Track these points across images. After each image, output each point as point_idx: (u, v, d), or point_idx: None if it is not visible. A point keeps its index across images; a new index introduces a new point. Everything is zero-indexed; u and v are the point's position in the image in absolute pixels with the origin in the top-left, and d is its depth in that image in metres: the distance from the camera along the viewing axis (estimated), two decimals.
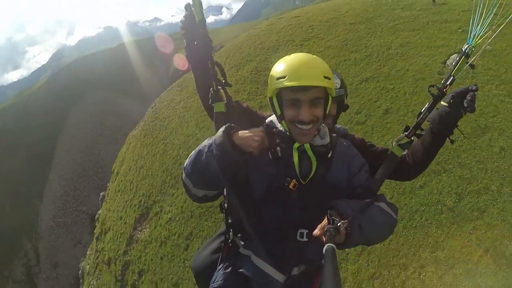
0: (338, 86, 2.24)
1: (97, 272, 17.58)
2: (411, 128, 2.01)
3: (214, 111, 1.86)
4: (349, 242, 1.40)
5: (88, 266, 19.75)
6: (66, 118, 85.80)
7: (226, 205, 1.86)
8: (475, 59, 1.89)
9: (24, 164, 77.89)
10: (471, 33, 1.91)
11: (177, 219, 13.13)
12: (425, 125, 2.04)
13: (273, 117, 1.90)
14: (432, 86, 1.96)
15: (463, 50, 1.90)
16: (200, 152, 1.59)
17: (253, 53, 19.96)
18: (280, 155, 1.67)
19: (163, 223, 13.73)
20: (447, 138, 1.94)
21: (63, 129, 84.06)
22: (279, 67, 1.64)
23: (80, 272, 22.81)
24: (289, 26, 21.23)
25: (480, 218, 7.40)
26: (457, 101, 1.82)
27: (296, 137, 1.69)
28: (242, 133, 1.59)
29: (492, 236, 6.94)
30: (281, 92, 1.65)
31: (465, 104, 1.77)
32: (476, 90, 1.81)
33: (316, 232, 1.37)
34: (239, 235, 1.87)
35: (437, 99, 1.93)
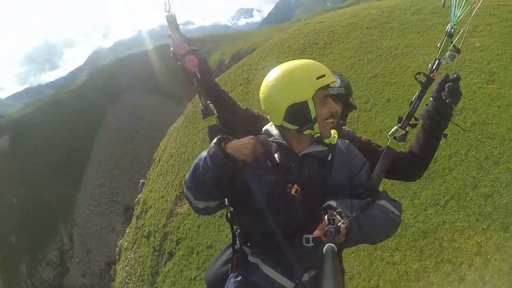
0: (338, 85, 2.30)
1: (135, 247, 20.01)
2: (404, 119, 1.95)
3: (207, 125, 1.89)
4: (350, 242, 1.40)
5: (126, 243, 22.30)
6: (104, 115, 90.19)
7: (229, 215, 1.86)
8: (458, 38, 1.85)
9: (63, 157, 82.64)
10: (453, 12, 1.87)
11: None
12: (417, 113, 2.00)
13: (268, 126, 1.91)
14: (419, 73, 1.91)
15: (446, 30, 1.87)
16: (196, 165, 1.62)
17: (282, 55, 21.97)
18: (278, 161, 1.69)
19: None
20: (441, 133, 1.90)
21: (101, 125, 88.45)
22: (312, 68, 1.66)
23: (117, 249, 25.38)
24: (314, 31, 23.12)
25: (449, 174, 9.01)
26: (439, 93, 1.80)
27: (326, 134, 1.70)
28: (234, 142, 1.60)
29: (457, 186, 8.57)
30: (317, 93, 1.64)
31: (443, 96, 1.76)
32: (457, 80, 1.77)
33: (316, 232, 1.37)
34: (246, 244, 1.88)
35: (425, 85, 1.88)
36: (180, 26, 2.04)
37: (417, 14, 18.77)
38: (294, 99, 1.62)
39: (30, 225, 73.60)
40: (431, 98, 1.85)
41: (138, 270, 18.68)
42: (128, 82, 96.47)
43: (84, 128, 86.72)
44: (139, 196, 24.05)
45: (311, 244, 1.60)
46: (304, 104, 1.62)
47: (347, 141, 1.89)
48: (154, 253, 17.49)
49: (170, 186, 19.11)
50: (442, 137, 1.92)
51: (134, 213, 23.27)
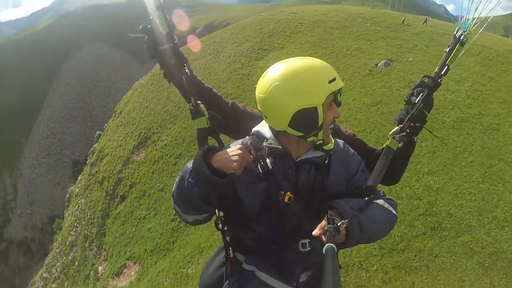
0: None
1: (87, 192, 20.76)
2: (405, 120, 1.86)
3: (196, 127, 1.68)
4: (350, 242, 1.36)
5: (77, 189, 22.91)
6: (63, 64, 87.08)
7: (220, 225, 1.70)
8: (468, 45, 1.78)
9: (15, 100, 79.45)
10: (465, 20, 1.76)
11: (171, 144, 16.47)
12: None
13: (259, 127, 1.72)
14: (426, 76, 1.83)
15: (457, 37, 1.75)
16: (182, 179, 1.46)
17: (252, 35, 24.10)
18: (270, 168, 1.55)
19: (158, 148, 17.18)
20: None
21: (59, 74, 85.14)
22: (323, 71, 1.48)
23: (67, 196, 25.93)
24: (285, 20, 25.75)
25: None
26: (409, 98, 1.85)
27: (327, 140, 1.58)
28: (220, 154, 1.42)
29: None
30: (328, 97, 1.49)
31: (410, 100, 1.83)
32: (428, 84, 1.80)
33: (316, 232, 1.31)
34: (240, 250, 1.75)
35: (431, 89, 1.81)
36: None
37: (374, 25, 21.93)
38: (304, 104, 1.46)
39: None
40: (404, 104, 1.87)
41: (88, 214, 19.48)
42: (93, 33, 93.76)
43: (40, 74, 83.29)
44: (94, 145, 24.55)
45: (308, 249, 1.52)
46: (314, 110, 1.47)
47: (342, 141, 1.79)
48: (107, 197, 18.39)
49: (129, 136, 19.93)
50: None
51: (88, 162, 23.78)
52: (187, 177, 1.41)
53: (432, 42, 18.08)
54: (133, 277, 13.60)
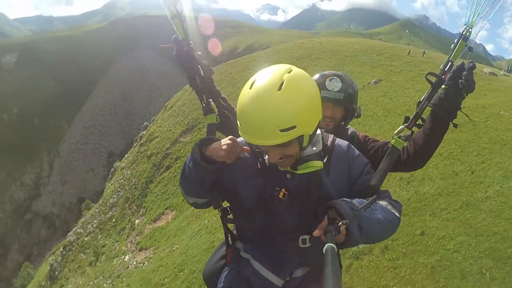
0: (336, 89, 2.18)
1: (133, 165, 24.84)
2: (411, 119, 1.84)
3: (207, 123, 1.81)
4: (349, 242, 1.34)
5: (124, 164, 27.04)
6: (112, 64, 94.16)
7: (222, 214, 1.80)
8: (473, 41, 1.78)
9: (63, 89, 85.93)
10: (467, 14, 1.76)
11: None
12: (425, 113, 1.89)
13: None
14: (430, 73, 1.82)
15: (460, 32, 1.75)
16: (185, 164, 1.60)
17: (284, 57, 30.81)
18: (268, 164, 1.56)
19: (203, 133, 21.17)
20: (451, 123, 1.83)
21: (107, 73, 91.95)
22: (238, 106, 1.38)
23: (112, 169, 29.73)
24: (312, 47, 32.15)
25: None
26: (455, 81, 1.73)
27: (280, 164, 1.51)
28: (213, 144, 1.51)
29: None
30: None
31: (460, 85, 1.70)
32: (473, 68, 1.70)
33: (316, 232, 1.32)
34: (239, 239, 1.87)
35: (436, 86, 1.80)
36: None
37: (379, 56, 27.12)
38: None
39: (13, 144, 76.12)
40: (443, 86, 1.75)
41: (133, 181, 23.29)
42: (141, 40, 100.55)
43: (90, 70, 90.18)
44: (143, 132, 29.05)
45: (308, 245, 1.49)
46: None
47: (347, 142, 1.70)
48: (153, 167, 22.39)
49: (178, 123, 24.67)
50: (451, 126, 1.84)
51: (137, 142, 28.27)
52: (187, 162, 1.55)
53: (416, 68, 22.54)
54: (169, 219, 16.93)
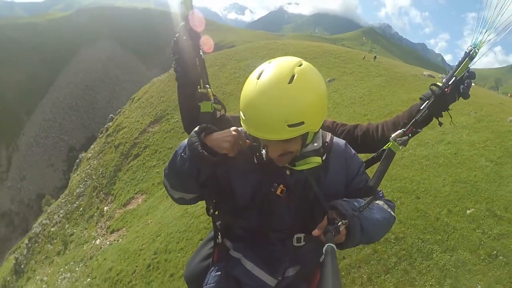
0: None
1: (101, 155, 25.18)
2: (409, 125, 1.86)
3: (201, 111, 1.66)
4: (351, 242, 1.34)
5: (90, 154, 27.30)
6: (75, 54, 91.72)
7: (211, 211, 1.67)
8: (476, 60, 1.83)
9: (23, 79, 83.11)
10: (475, 35, 1.78)
11: (180, 120, 23.36)
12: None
13: None
14: (434, 85, 1.85)
15: (467, 51, 1.80)
16: (176, 154, 1.47)
17: (250, 56, 32.90)
18: (265, 159, 1.51)
19: (171, 123, 22.50)
20: (437, 120, 1.90)
21: (70, 63, 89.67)
22: (241, 101, 1.36)
23: (77, 160, 29.69)
24: (276, 49, 34.52)
25: None
26: (454, 85, 1.80)
27: (277, 162, 1.47)
28: (215, 134, 1.44)
29: None
30: None
31: (461, 90, 1.78)
32: (474, 78, 1.81)
33: (316, 231, 1.30)
34: (228, 237, 1.77)
35: (437, 97, 1.84)
36: None
37: (336, 59, 29.83)
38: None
39: None
40: (443, 87, 1.81)
41: (100, 170, 23.68)
42: (107, 31, 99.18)
43: (52, 60, 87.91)
44: (108, 124, 29.37)
45: (302, 243, 1.54)
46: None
47: (344, 141, 1.71)
48: (121, 156, 22.99)
49: (146, 115, 25.45)
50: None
51: (103, 133, 28.64)
52: (180, 152, 1.43)
53: (365, 70, 25.14)
54: (140, 202, 17.57)
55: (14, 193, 70.12)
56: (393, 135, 1.83)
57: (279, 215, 1.58)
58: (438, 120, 1.90)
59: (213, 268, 1.76)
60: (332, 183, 1.58)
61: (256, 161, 1.55)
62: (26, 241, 26.73)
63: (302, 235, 1.56)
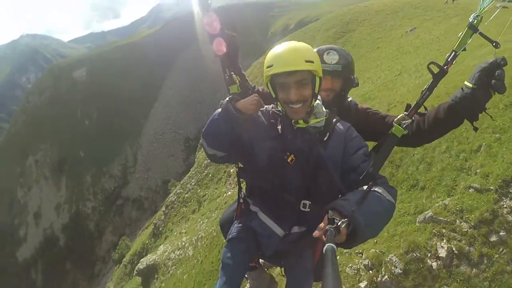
0: (334, 62, 2.26)
1: None
2: (412, 107, 1.85)
3: (230, 92, 1.96)
4: (357, 240, 1.45)
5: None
6: (175, 60, 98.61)
7: (238, 170, 2.06)
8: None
9: (135, 89, 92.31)
10: (481, 3, 1.70)
11: None
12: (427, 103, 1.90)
13: None
14: (433, 63, 1.80)
15: (470, 21, 1.70)
16: (212, 118, 1.84)
17: (336, 23, 35.41)
18: (280, 132, 1.86)
19: None
20: (472, 124, 1.76)
21: (172, 68, 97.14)
22: (268, 57, 1.77)
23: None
24: (358, 11, 36.87)
25: None
26: (485, 80, 1.61)
27: (289, 115, 1.82)
28: (242, 100, 1.81)
29: None
30: (273, 78, 1.78)
31: (493, 86, 1.59)
32: (505, 65, 1.59)
33: (316, 233, 1.35)
34: (250, 195, 2.12)
35: (437, 78, 1.79)
36: None
37: (416, 9, 30.68)
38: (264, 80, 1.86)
39: (99, 144, 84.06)
40: (470, 85, 1.65)
41: None
42: (196, 35, 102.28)
43: (156, 69, 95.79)
44: None
45: (307, 209, 1.79)
46: (267, 85, 1.85)
47: (349, 124, 1.90)
48: None
49: None
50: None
51: None
52: (216, 116, 1.83)
53: (443, 14, 25.42)
54: None
55: (142, 182, 78.14)
56: (395, 119, 1.86)
57: (289, 179, 1.85)
58: (473, 125, 1.77)
59: (236, 221, 2.16)
60: (330, 156, 1.80)
61: (274, 134, 1.88)
62: (163, 209, 30.45)
63: (308, 202, 1.81)
